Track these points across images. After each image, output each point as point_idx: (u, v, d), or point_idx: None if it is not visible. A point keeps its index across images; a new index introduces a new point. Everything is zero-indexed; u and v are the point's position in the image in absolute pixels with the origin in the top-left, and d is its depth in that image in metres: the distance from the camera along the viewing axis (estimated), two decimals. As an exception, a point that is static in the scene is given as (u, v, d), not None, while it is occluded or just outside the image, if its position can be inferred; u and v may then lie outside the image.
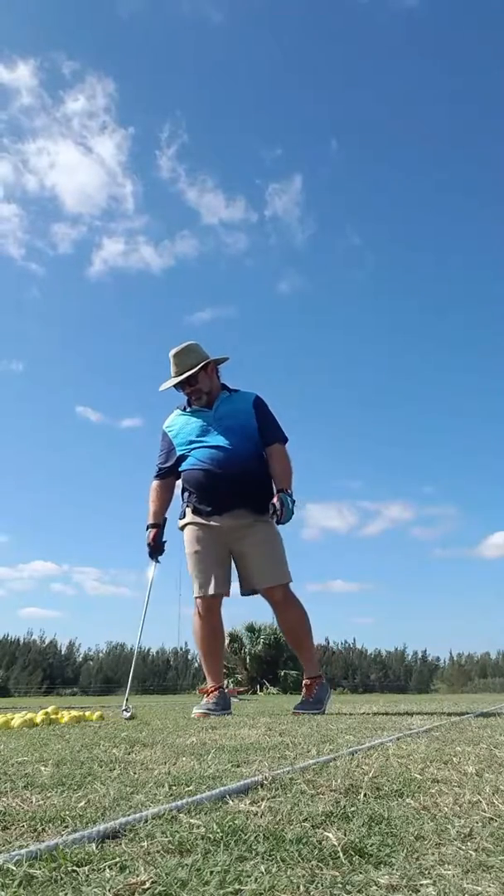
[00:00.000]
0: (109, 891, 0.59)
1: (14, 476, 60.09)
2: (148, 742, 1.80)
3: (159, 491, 3.57)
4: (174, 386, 3.48)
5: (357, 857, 0.69)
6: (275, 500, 3.23)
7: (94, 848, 0.71)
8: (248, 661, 23.75)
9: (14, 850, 0.69)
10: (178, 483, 3.55)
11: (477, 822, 0.83)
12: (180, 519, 3.49)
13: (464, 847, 0.72)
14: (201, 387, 3.47)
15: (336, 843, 0.72)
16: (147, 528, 3.53)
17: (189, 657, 39.49)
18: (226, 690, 3.49)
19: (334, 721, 2.62)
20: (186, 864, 0.65)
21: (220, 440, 3.37)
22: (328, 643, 39.22)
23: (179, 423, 3.53)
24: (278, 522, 3.27)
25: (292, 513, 3.26)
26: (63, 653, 40.50)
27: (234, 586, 3.45)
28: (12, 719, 2.75)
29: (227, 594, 3.41)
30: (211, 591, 3.31)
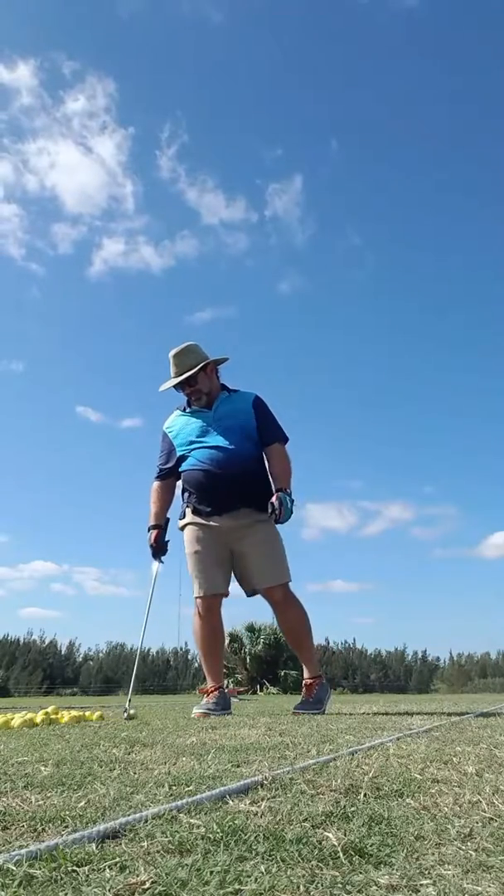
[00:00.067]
0: (109, 891, 0.59)
1: (14, 476, 60.23)
2: (148, 742, 1.80)
3: (160, 492, 3.57)
4: (174, 386, 3.48)
5: (357, 857, 0.69)
6: (273, 499, 3.23)
7: (94, 848, 0.71)
8: (248, 661, 23.74)
9: (14, 850, 0.69)
10: (179, 483, 3.55)
11: (477, 822, 0.83)
12: (180, 519, 3.50)
13: (464, 847, 0.72)
14: (201, 387, 3.47)
15: (336, 843, 0.72)
16: (148, 530, 3.53)
17: (189, 657, 39.52)
18: (226, 690, 3.49)
19: (334, 721, 2.61)
20: (186, 864, 0.65)
21: (220, 440, 3.37)
22: (328, 643, 39.26)
23: (179, 424, 3.53)
24: (277, 522, 3.27)
25: (291, 512, 3.26)
26: (63, 653, 40.53)
27: (234, 586, 3.45)
28: (12, 719, 2.75)
29: (227, 594, 3.41)
30: (211, 591, 3.31)
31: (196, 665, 35.24)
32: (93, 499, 61.19)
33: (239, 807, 0.91)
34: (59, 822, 0.84)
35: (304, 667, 3.49)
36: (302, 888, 0.60)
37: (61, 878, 0.63)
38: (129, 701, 3.34)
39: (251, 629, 23.93)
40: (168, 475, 3.55)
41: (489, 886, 0.61)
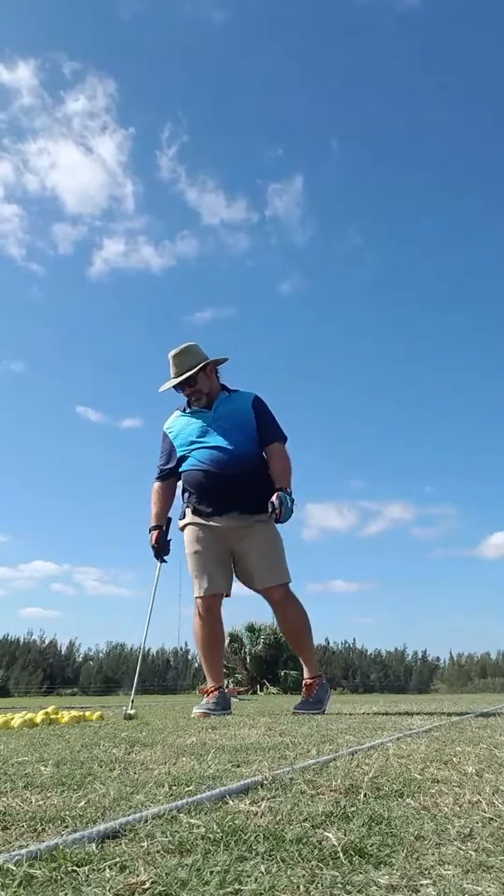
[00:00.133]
0: (109, 891, 0.59)
1: (14, 476, 60.27)
2: (148, 742, 1.80)
3: (161, 493, 3.57)
4: (174, 387, 3.49)
5: (357, 857, 0.69)
6: (274, 498, 3.23)
7: (94, 848, 0.71)
8: (248, 661, 23.75)
9: (14, 850, 0.69)
10: (180, 484, 3.56)
11: (477, 822, 0.83)
12: (181, 519, 3.50)
13: (464, 847, 0.72)
14: (200, 388, 3.47)
15: (336, 843, 0.72)
16: (149, 531, 3.53)
17: (189, 657, 39.54)
18: (226, 690, 3.49)
19: (334, 721, 2.61)
20: (186, 864, 0.65)
21: (220, 441, 3.38)
22: (328, 643, 39.28)
23: (179, 425, 3.54)
24: (277, 521, 3.27)
25: (291, 511, 3.26)
26: (63, 653, 40.55)
27: (234, 586, 3.45)
28: (12, 719, 2.75)
29: (228, 594, 3.41)
30: (211, 591, 3.31)
31: (196, 665, 35.24)
32: (93, 499, 61.30)
33: (239, 807, 0.91)
34: (59, 822, 0.84)
35: (303, 667, 3.49)
36: (302, 888, 0.60)
37: (61, 878, 0.63)
38: (132, 701, 3.35)
39: (251, 629, 23.94)
40: (168, 476, 3.55)
41: (489, 886, 0.61)
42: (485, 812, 0.88)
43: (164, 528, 3.53)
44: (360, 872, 0.64)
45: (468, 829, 0.79)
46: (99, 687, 35.47)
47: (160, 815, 0.85)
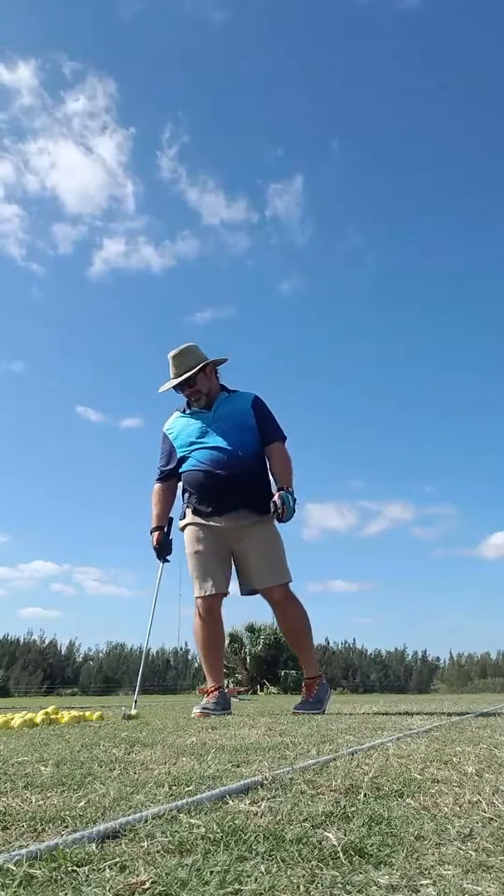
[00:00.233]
0: (109, 891, 0.59)
1: (14, 476, 60.18)
2: (148, 742, 1.80)
3: (161, 494, 3.57)
4: (174, 387, 3.49)
5: (357, 857, 0.69)
6: (276, 497, 3.23)
7: (94, 848, 0.71)
8: (248, 661, 23.74)
9: (14, 850, 0.69)
10: (180, 485, 3.56)
11: (477, 822, 0.83)
12: (181, 520, 3.50)
13: (464, 847, 0.72)
14: (200, 388, 3.47)
15: (336, 843, 0.72)
16: (151, 532, 3.53)
17: (189, 657, 39.52)
18: (226, 690, 3.49)
19: (334, 721, 2.61)
20: (186, 864, 0.65)
21: (220, 441, 3.38)
22: (328, 643, 39.26)
23: (179, 425, 3.54)
24: (280, 521, 3.27)
25: (293, 511, 3.26)
26: (63, 653, 40.51)
27: (234, 586, 3.45)
28: (12, 719, 2.75)
29: (228, 593, 3.41)
30: (211, 591, 3.31)
31: (196, 665, 35.24)
32: (93, 499, 61.24)
33: (239, 807, 0.91)
34: (59, 822, 0.84)
35: (303, 667, 3.49)
36: (302, 888, 0.60)
37: (61, 878, 0.63)
38: (136, 702, 3.35)
39: (251, 629, 23.93)
40: (169, 476, 3.55)
41: (489, 886, 0.61)
42: (485, 812, 0.88)
43: (165, 528, 3.54)
44: (360, 872, 0.64)
45: (468, 829, 0.79)
46: (99, 687, 35.46)
47: (160, 815, 0.85)
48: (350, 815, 0.86)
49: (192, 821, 0.82)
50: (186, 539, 3.44)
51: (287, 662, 22.58)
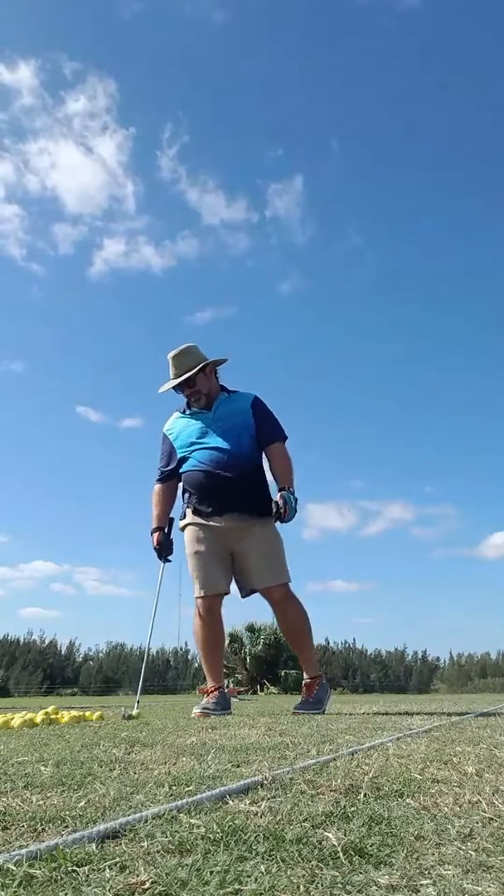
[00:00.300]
0: (109, 891, 0.59)
1: (14, 476, 60.14)
2: (148, 742, 1.80)
3: (161, 494, 3.57)
4: (173, 388, 3.49)
5: (357, 857, 0.69)
6: (278, 497, 3.24)
7: (94, 848, 0.71)
8: (248, 661, 23.74)
9: (14, 850, 0.69)
10: (181, 485, 3.56)
11: (477, 822, 0.83)
12: (181, 520, 3.50)
13: (464, 847, 0.72)
14: (200, 388, 3.47)
15: (336, 843, 0.72)
16: (151, 533, 3.53)
17: (189, 657, 39.51)
18: (226, 690, 3.49)
19: (334, 721, 2.61)
20: (186, 864, 0.65)
21: (220, 441, 3.38)
22: (328, 643, 39.25)
23: (179, 426, 3.54)
24: (282, 521, 3.27)
25: (295, 511, 3.27)
26: (63, 653, 40.51)
27: (234, 586, 3.45)
28: (12, 719, 2.75)
29: (228, 592, 3.41)
30: (212, 591, 3.32)
31: (196, 665, 35.24)
32: (93, 499, 61.21)
33: (239, 807, 0.91)
34: (59, 822, 0.84)
35: (303, 667, 3.49)
36: (302, 888, 0.60)
37: (61, 878, 0.63)
38: (138, 702, 3.35)
39: (251, 629, 23.94)
40: (169, 477, 3.56)
41: (489, 886, 0.61)
42: (485, 812, 0.88)
43: (165, 529, 3.54)
44: (360, 872, 0.64)
45: (468, 829, 0.79)
46: (99, 687, 35.47)
47: (160, 815, 0.85)
48: (350, 815, 0.86)
49: (192, 821, 0.82)
50: (186, 539, 3.44)
51: (287, 662, 22.59)
